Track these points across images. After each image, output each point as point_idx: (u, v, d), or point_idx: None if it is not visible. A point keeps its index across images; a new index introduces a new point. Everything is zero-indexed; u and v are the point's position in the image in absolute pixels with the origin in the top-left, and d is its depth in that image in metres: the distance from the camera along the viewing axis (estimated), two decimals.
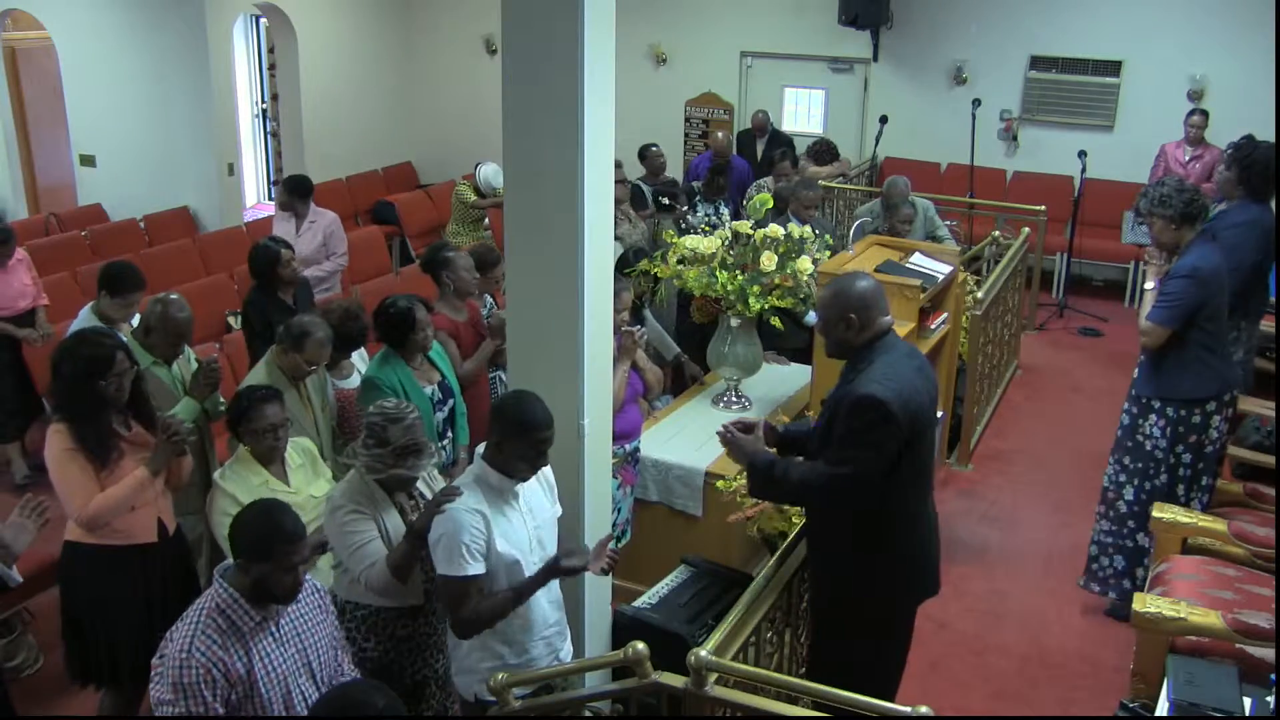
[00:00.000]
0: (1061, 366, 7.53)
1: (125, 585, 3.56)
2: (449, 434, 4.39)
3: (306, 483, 3.72)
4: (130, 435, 3.54)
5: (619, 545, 4.32)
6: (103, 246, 8.22)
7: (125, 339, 3.84)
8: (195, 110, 9.23)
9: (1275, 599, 3.27)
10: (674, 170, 9.11)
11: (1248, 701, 2.84)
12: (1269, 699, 2.84)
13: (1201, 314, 4.13)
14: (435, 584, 3.13)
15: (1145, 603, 3.26)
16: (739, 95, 10.54)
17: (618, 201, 5.73)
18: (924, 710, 2.54)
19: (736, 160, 8.70)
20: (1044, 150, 9.39)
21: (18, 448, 6.02)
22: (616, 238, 5.24)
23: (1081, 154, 8.35)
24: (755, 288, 4.79)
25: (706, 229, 5.74)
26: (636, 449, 4.49)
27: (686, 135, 10.82)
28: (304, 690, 2.66)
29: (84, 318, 4.66)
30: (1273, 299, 5.60)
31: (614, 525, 4.15)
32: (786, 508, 4.03)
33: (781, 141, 9.12)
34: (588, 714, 3.36)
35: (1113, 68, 9.09)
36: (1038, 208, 8.03)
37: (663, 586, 3.81)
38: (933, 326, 5.36)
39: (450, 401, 4.39)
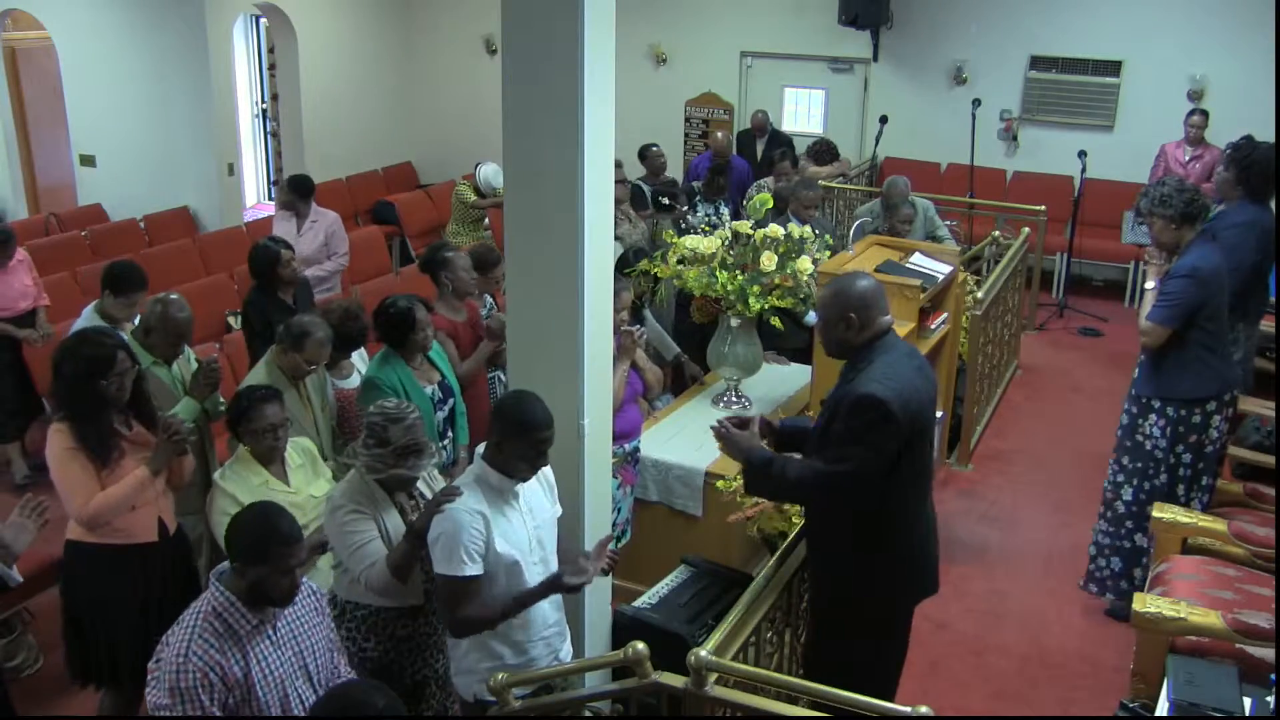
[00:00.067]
0: (1061, 366, 7.53)
1: (125, 585, 3.56)
2: (449, 434, 4.39)
3: (306, 483, 3.72)
4: (131, 435, 3.55)
5: (619, 545, 4.32)
6: (103, 246, 8.22)
7: (126, 339, 3.84)
8: (195, 110, 9.23)
9: (1275, 599, 3.27)
10: (674, 170, 9.11)
11: (1248, 701, 2.84)
12: (1269, 699, 2.84)
13: (1202, 314, 4.13)
14: (434, 583, 3.13)
15: (1145, 603, 3.26)
16: (739, 95, 10.54)
17: (618, 201, 5.73)
18: (924, 710, 2.54)
19: (736, 160, 8.70)
20: (1044, 150, 9.39)
21: (18, 448, 6.02)
22: (616, 238, 5.24)
23: (1081, 154, 8.36)
24: (755, 288, 4.79)
25: (706, 229, 5.74)
26: (636, 449, 4.49)
27: (686, 135, 10.82)
28: (301, 693, 2.66)
29: (87, 317, 4.66)
30: (1273, 299, 5.60)
31: (614, 525, 4.15)
32: (786, 507, 4.03)
33: (781, 141, 9.12)
34: (588, 714, 3.36)
35: (1113, 68, 9.09)
36: (1038, 208, 8.03)
37: (663, 586, 3.80)
38: (933, 326, 5.36)
39: (450, 401, 4.39)
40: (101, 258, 7.63)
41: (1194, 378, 4.19)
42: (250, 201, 11.04)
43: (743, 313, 4.85)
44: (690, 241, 4.93)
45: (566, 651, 3.26)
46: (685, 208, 7.02)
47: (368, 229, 9.31)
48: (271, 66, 11.12)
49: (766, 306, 4.82)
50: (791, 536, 3.56)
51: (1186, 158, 7.97)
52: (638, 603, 3.71)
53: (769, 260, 4.79)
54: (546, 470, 3.14)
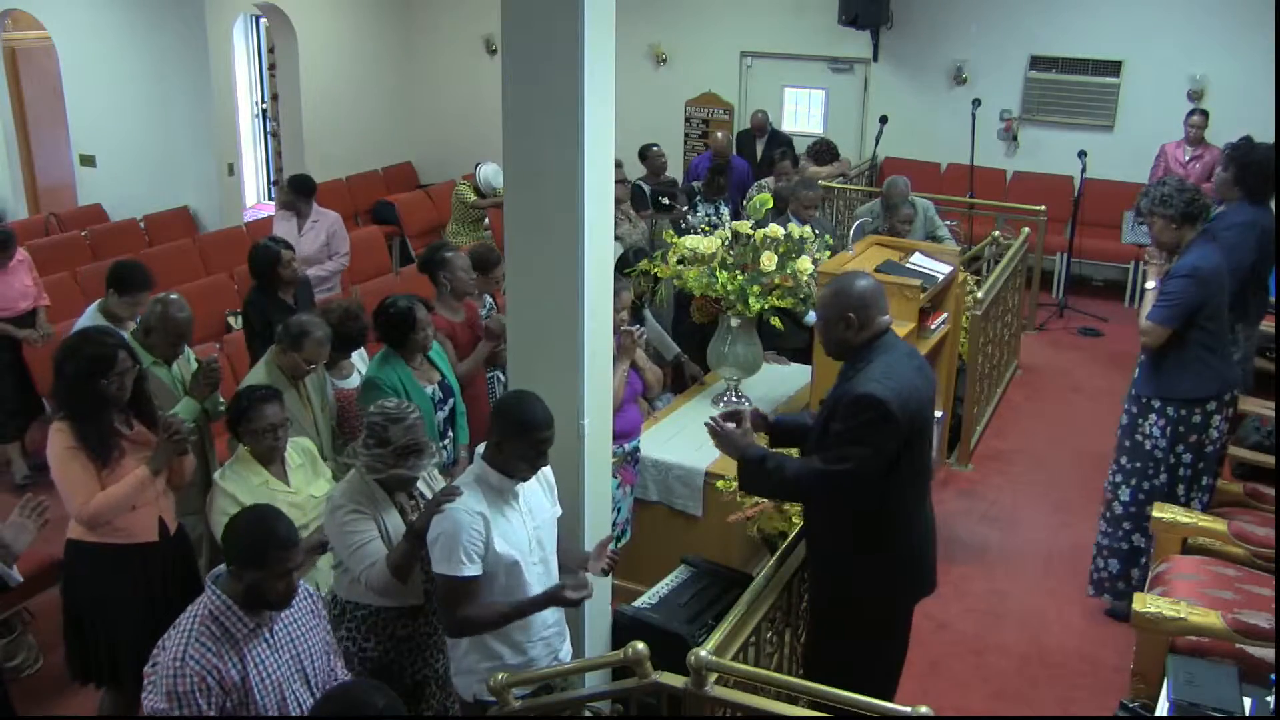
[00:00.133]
0: (1061, 366, 7.53)
1: (126, 585, 3.56)
2: (449, 434, 4.39)
3: (306, 483, 3.72)
4: (132, 434, 3.55)
5: (619, 545, 4.32)
6: (103, 247, 8.22)
7: (127, 338, 3.84)
8: (195, 110, 9.23)
9: (1275, 599, 3.27)
10: (674, 170, 9.12)
11: (1248, 701, 2.84)
12: (1269, 699, 2.83)
13: (1202, 313, 4.13)
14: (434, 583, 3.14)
15: (1145, 603, 3.26)
16: (739, 95, 10.54)
17: (618, 201, 5.74)
18: (924, 710, 2.54)
19: (736, 160, 8.71)
20: (1044, 150, 9.39)
21: (18, 448, 6.02)
22: (616, 238, 5.24)
23: (1081, 154, 8.35)
24: (755, 288, 4.79)
25: (706, 229, 5.74)
26: (636, 449, 4.49)
27: (686, 135, 10.82)
28: (299, 695, 2.65)
29: (90, 315, 4.67)
30: (1273, 299, 5.60)
31: (614, 525, 4.15)
32: (786, 507, 4.03)
33: (781, 141, 9.13)
34: (588, 714, 3.36)
35: (1113, 68, 9.09)
36: (1038, 208, 8.02)
37: (663, 586, 3.81)
38: (933, 326, 5.35)
39: (450, 401, 4.39)
40: (101, 258, 7.63)
41: (1194, 378, 4.19)
42: (250, 201, 11.04)
43: (743, 313, 4.85)
44: (690, 241, 4.93)
45: (566, 651, 3.26)
46: (685, 208, 7.02)
47: (368, 229, 9.32)
48: (271, 66, 11.12)
49: (766, 306, 4.82)
50: (791, 536, 3.56)
51: (1186, 158, 7.97)
52: (638, 603, 3.71)
53: (769, 260, 4.79)
54: (546, 470, 3.14)
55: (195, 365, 4.26)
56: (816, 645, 3.38)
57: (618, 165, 5.82)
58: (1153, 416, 4.27)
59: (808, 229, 5.14)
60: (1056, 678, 4.26)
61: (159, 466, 3.53)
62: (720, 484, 4.23)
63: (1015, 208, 8.39)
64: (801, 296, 4.86)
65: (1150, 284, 4.31)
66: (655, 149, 8.15)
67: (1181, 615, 3.19)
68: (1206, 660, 3.11)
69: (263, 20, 11.09)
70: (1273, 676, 2.86)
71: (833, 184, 8.70)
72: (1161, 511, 3.83)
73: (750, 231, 4.94)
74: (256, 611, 2.56)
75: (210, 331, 6.58)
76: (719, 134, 8.81)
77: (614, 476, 4.01)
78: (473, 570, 2.90)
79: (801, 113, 10.41)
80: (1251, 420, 5.04)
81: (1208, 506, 4.28)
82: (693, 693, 2.77)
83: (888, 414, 2.88)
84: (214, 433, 4.37)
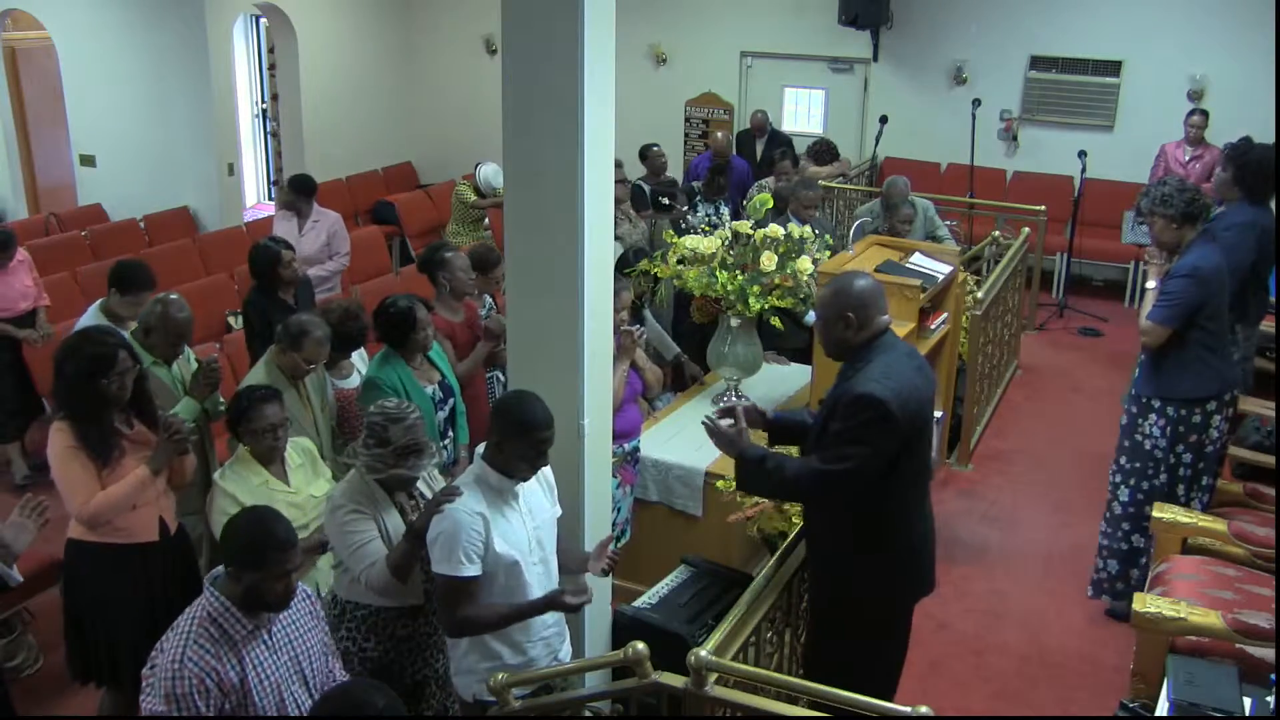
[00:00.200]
0: (1061, 366, 7.53)
1: (126, 584, 3.56)
2: (449, 434, 4.39)
3: (306, 483, 3.72)
4: (132, 434, 3.54)
5: (619, 545, 4.33)
6: (103, 247, 8.22)
7: (128, 338, 3.84)
8: (195, 110, 9.23)
9: (1275, 599, 3.27)
10: (674, 170, 9.12)
11: (1248, 701, 2.84)
12: (1269, 699, 2.83)
13: (1202, 313, 4.13)
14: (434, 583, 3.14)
15: (1145, 603, 3.26)
16: (739, 95, 10.54)
17: (618, 201, 5.73)
18: (924, 710, 2.54)
19: (736, 160, 8.70)
20: (1044, 150, 9.39)
21: (18, 448, 6.02)
22: (616, 238, 5.24)
23: (1081, 154, 8.35)
24: (755, 288, 4.79)
25: (706, 229, 5.74)
26: (636, 448, 4.49)
27: (686, 135, 10.82)
28: (297, 697, 2.65)
29: (91, 315, 4.67)
30: (1273, 299, 5.60)
31: (614, 525, 4.15)
32: (786, 507, 4.03)
33: (781, 141, 9.13)
34: (588, 714, 3.36)
35: (1113, 68, 9.09)
36: (1038, 208, 8.02)
37: (663, 586, 3.81)
38: (933, 326, 5.35)
39: (451, 401, 4.39)
40: (101, 258, 7.63)
41: (1194, 377, 4.19)
42: (250, 201, 11.04)
43: (743, 313, 4.85)
44: (690, 241, 4.93)
45: (566, 651, 3.26)
46: (685, 208, 7.01)
47: (368, 229, 9.32)
48: (271, 66, 11.12)
49: (766, 306, 4.82)
50: (791, 536, 3.55)
51: (1186, 158, 7.97)
52: (638, 603, 3.71)
53: (769, 260, 4.79)
54: (546, 470, 3.14)
55: (195, 365, 4.26)
56: (816, 645, 3.38)
57: (618, 165, 5.81)
58: (1153, 416, 4.27)
59: (808, 229, 5.14)
60: (1056, 678, 4.26)
61: (159, 466, 3.53)
62: (720, 484, 4.23)
63: (1015, 208, 8.39)
64: (801, 296, 4.87)
65: (1150, 284, 4.31)
66: (655, 149, 8.15)
67: (1181, 615, 3.19)
68: (1206, 660, 3.11)
69: (263, 20, 11.09)
70: (1273, 676, 2.86)
71: (833, 184, 8.70)
72: (1161, 511, 3.83)
73: (750, 231, 4.94)
74: (255, 613, 2.55)
75: (210, 331, 6.59)
76: (719, 134, 8.81)
77: (614, 476, 4.01)
78: (472, 570, 2.90)
79: (801, 113, 10.41)
80: (1251, 420, 5.05)
81: (1208, 506, 4.28)
82: (693, 693, 2.77)
83: (887, 414, 2.88)
84: (214, 433, 4.37)
